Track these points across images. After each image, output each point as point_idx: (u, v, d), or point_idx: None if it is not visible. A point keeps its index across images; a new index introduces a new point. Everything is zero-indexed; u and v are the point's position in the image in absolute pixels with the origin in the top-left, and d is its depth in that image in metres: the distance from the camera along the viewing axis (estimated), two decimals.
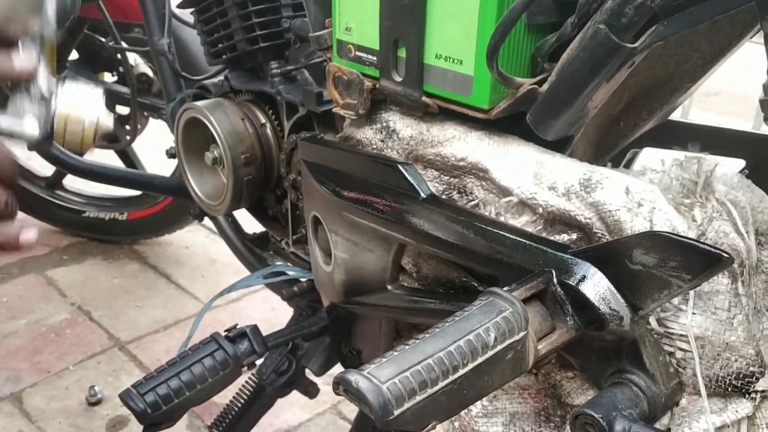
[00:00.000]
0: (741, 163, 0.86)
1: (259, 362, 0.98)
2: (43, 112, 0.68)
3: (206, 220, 2.16)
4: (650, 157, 0.89)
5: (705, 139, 0.87)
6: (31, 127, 0.68)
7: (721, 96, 3.31)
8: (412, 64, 0.74)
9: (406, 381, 0.46)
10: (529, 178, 0.68)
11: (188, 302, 1.90)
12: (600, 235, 0.62)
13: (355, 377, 0.45)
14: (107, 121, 0.72)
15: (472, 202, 0.73)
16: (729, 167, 0.66)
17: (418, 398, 0.46)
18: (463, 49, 0.69)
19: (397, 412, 0.45)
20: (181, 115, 1.13)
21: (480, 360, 0.50)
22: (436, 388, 0.47)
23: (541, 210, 0.66)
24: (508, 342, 0.51)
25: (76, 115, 0.68)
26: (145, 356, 1.69)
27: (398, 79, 0.76)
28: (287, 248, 1.14)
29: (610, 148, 0.87)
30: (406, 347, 0.49)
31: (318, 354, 1.08)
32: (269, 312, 1.85)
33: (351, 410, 1.56)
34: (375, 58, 0.78)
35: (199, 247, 2.15)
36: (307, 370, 1.10)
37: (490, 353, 0.50)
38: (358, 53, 0.80)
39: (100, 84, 0.69)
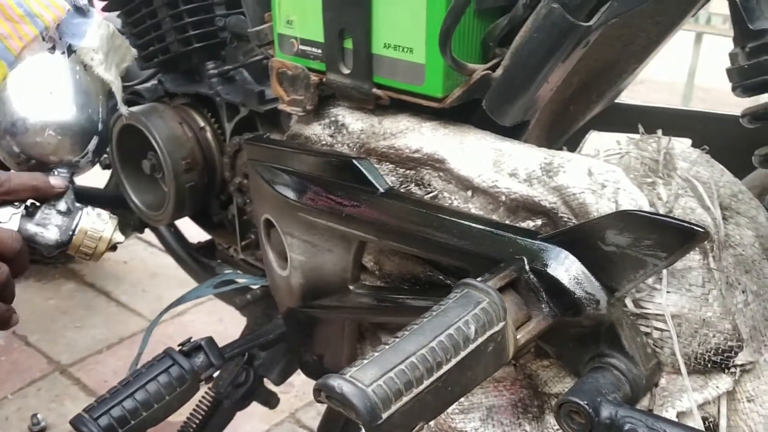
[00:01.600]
0: (687, 142, 0.87)
1: (215, 375, 0.94)
2: (65, 225, 0.80)
3: (145, 233, 2.10)
4: (599, 140, 0.89)
5: (651, 119, 0.87)
6: (52, 235, 0.79)
7: (647, 84, 3.41)
8: (360, 55, 0.71)
9: (391, 382, 0.43)
10: (489, 165, 0.66)
11: (131, 319, 1.83)
12: (566, 219, 0.61)
13: (337, 382, 0.43)
14: (119, 238, 0.83)
15: (431, 194, 0.71)
16: (685, 144, 0.66)
17: (404, 399, 0.44)
18: (413, 37, 0.67)
19: (385, 416, 0.43)
20: (114, 123, 1.08)
21: (463, 354, 0.48)
22: (422, 387, 0.45)
23: (503, 198, 0.64)
24: (488, 334, 0.49)
25: (93, 232, 0.82)
26: (89, 379, 1.61)
27: (346, 71, 0.74)
28: (236, 255, 1.10)
29: (562, 133, 0.86)
30: (386, 347, 0.46)
31: (276, 362, 1.05)
32: (217, 323, 1.80)
33: (310, 417, 1.53)
34: (320, 51, 0.75)
35: (138, 261, 2.08)
36: (265, 380, 1.06)
37: (472, 347, 0.48)
38: (301, 47, 0.77)
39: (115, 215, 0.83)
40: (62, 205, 0.81)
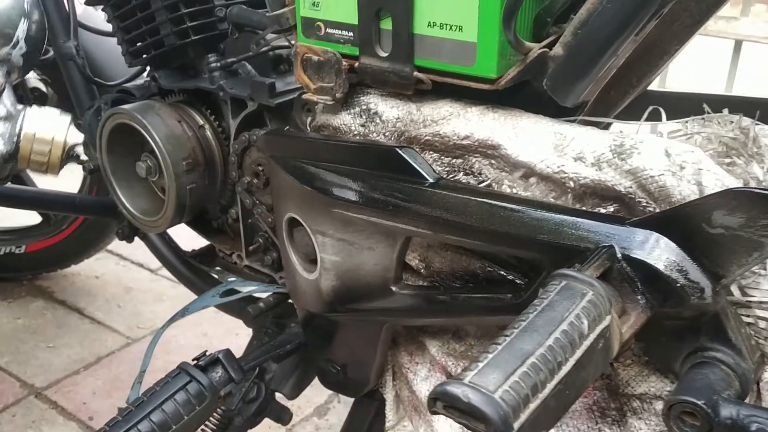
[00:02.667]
0: None
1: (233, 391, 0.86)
2: (8, 129, 0.68)
3: (113, 246, 2.00)
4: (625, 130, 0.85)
5: (684, 105, 0.84)
6: None
7: None
8: (401, 35, 0.66)
9: (518, 387, 0.38)
10: (550, 150, 0.62)
11: (107, 336, 1.73)
12: (644, 204, 0.56)
13: (461, 389, 0.37)
14: (76, 141, 0.68)
15: (483, 183, 0.66)
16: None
17: (532, 406, 0.38)
18: (463, 14, 0.62)
19: (516, 425, 0.37)
20: (105, 123, 1.00)
21: (579, 352, 0.42)
22: (546, 390, 0.39)
23: (572, 183, 0.59)
24: (599, 328, 0.44)
25: (43, 134, 0.64)
26: (68, 401, 1.51)
27: (383, 54, 0.68)
28: (240, 262, 1.03)
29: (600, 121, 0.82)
30: (499, 347, 0.41)
31: (289, 375, 0.98)
32: (201, 338, 1.71)
33: None
34: (351, 34, 0.70)
35: (111, 275, 1.97)
36: (277, 395, 0.99)
37: (587, 343, 0.43)
38: (329, 30, 0.72)
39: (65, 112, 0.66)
40: (1, 109, 0.68)
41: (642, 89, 0.84)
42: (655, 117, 0.86)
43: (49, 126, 0.66)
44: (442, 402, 0.38)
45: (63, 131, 0.66)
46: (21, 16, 0.70)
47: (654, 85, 0.91)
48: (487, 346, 0.41)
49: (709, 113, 0.68)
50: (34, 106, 0.67)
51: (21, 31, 0.70)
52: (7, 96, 0.69)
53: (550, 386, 0.40)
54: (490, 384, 0.37)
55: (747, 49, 1.96)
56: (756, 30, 1.86)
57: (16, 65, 0.71)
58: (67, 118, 0.67)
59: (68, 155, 0.67)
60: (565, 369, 0.41)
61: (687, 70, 2.51)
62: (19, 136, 0.68)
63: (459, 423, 0.38)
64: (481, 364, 0.39)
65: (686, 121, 0.63)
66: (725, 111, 0.66)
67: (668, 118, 0.83)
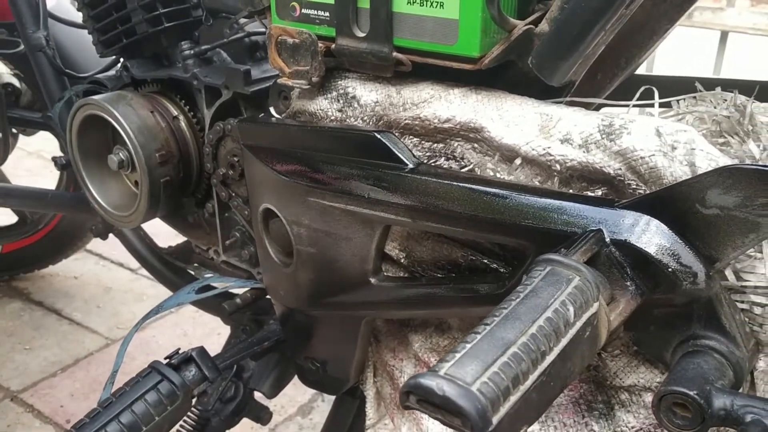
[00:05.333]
0: None
1: (208, 390, 0.83)
2: None
3: (92, 246, 1.96)
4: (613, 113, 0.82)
5: (673, 88, 0.81)
6: None
7: None
8: (379, 14, 0.63)
9: (497, 378, 0.35)
10: (535, 132, 0.59)
11: (86, 337, 1.69)
12: (634, 186, 0.54)
13: (435, 382, 0.34)
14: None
15: (465, 168, 0.63)
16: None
17: (512, 398, 0.35)
18: None
19: (495, 420, 0.34)
20: (74, 114, 0.96)
21: (564, 341, 0.39)
22: (528, 382, 0.36)
23: (558, 167, 0.56)
24: (585, 316, 0.41)
25: None
26: (44, 404, 1.47)
27: (361, 35, 0.65)
28: (217, 257, 0.99)
29: (587, 104, 0.79)
30: (478, 335, 0.38)
31: (268, 373, 0.94)
32: (181, 338, 1.68)
33: None
34: (327, 14, 0.67)
35: (90, 275, 1.93)
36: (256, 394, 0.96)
37: (572, 331, 0.40)
38: (304, 11, 0.68)
39: None
40: None
41: (630, 72, 0.81)
42: (645, 99, 0.84)
43: None
44: (416, 396, 0.34)
45: None
46: None
47: (641, 71, 0.89)
48: (466, 336, 0.38)
49: (701, 92, 0.65)
50: None
51: None
52: None
53: (532, 377, 0.36)
54: (468, 376, 0.34)
55: (733, 39, 1.95)
56: (742, 21, 1.84)
57: None
58: None
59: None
60: (549, 359, 0.38)
61: (673, 60, 2.49)
62: None
63: (434, 418, 0.34)
64: (458, 355, 0.36)
65: (677, 100, 0.60)
66: (718, 89, 0.63)
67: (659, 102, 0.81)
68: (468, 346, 0.37)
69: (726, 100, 0.57)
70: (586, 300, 0.42)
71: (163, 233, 1.15)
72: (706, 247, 0.46)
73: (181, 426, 0.97)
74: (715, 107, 0.58)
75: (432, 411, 0.34)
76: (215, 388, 0.95)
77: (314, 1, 0.67)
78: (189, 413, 0.97)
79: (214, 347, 0.88)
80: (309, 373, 0.86)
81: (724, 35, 1.91)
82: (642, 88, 0.64)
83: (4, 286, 1.87)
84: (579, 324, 0.41)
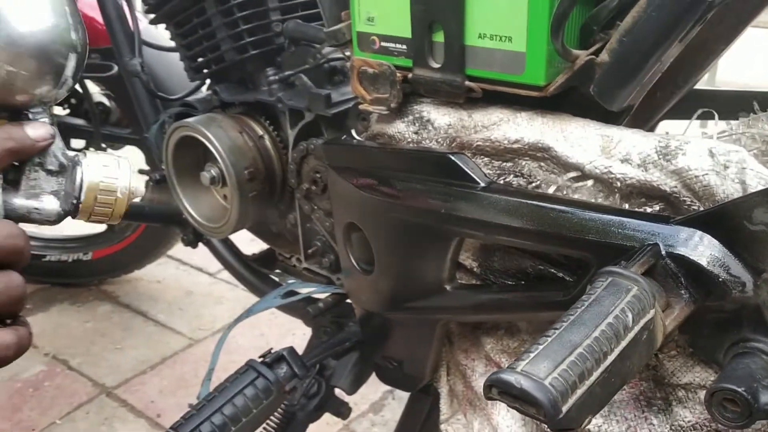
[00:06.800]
0: None
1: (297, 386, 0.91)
2: (63, 186, 0.60)
3: (174, 252, 2.08)
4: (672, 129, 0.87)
5: (732, 103, 0.85)
6: (51, 206, 0.60)
7: None
8: (453, 47, 0.70)
9: (566, 374, 0.41)
10: (597, 152, 0.64)
11: (170, 338, 1.81)
12: (688, 202, 0.59)
13: (514, 377, 0.40)
14: (140, 189, 0.64)
15: (533, 184, 0.69)
16: None
17: (579, 392, 0.42)
18: (512, 25, 0.66)
19: (564, 409, 0.40)
20: (170, 136, 1.06)
21: (624, 343, 0.45)
22: (593, 378, 0.43)
23: (618, 184, 0.62)
24: (643, 321, 0.47)
25: (107, 184, 0.60)
26: (136, 400, 1.58)
27: (435, 65, 0.72)
28: (299, 264, 1.08)
29: (647, 120, 0.84)
30: (549, 339, 0.44)
31: (347, 371, 1.02)
32: (259, 338, 1.78)
33: (364, 428, 1.50)
34: (405, 47, 0.74)
35: (172, 280, 2.05)
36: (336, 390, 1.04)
37: (631, 335, 0.46)
38: (383, 44, 0.76)
39: (124, 157, 0.60)
40: (52, 162, 0.60)
41: (688, 89, 0.86)
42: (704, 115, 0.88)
43: (113, 173, 0.60)
44: (497, 389, 0.41)
45: (127, 178, 0.61)
46: (69, 51, 0.60)
47: (704, 77, 0.93)
48: (538, 338, 0.44)
49: (756, 112, 0.70)
50: (89, 153, 0.61)
51: (70, 68, 0.60)
52: (57, 145, 0.60)
53: (596, 374, 0.43)
54: (541, 372, 0.41)
55: None
56: None
57: (58, 100, 0.63)
58: (126, 162, 0.62)
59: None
60: (611, 359, 0.44)
61: (738, 62, 2.49)
62: (80, 192, 0.60)
63: (512, 407, 0.41)
64: (532, 354, 0.43)
65: (731, 122, 0.65)
66: None
67: (718, 117, 0.85)
68: (540, 347, 0.43)
69: None
70: (643, 307, 0.48)
71: (239, 240, 1.24)
72: (753, 260, 0.52)
73: (270, 419, 1.05)
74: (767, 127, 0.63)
75: (511, 401, 0.41)
76: (301, 384, 1.03)
77: (393, 35, 0.74)
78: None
79: (293, 346, 0.96)
80: (387, 372, 0.93)
81: None
82: (699, 111, 0.68)
83: (95, 290, 2.01)
84: (637, 328, 0.47)
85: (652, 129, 0.91)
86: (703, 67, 0.81)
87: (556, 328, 0.45)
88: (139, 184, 0.63)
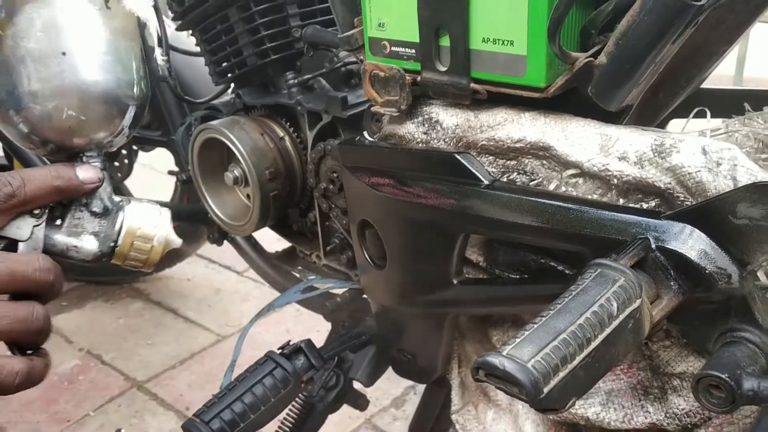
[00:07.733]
0: None
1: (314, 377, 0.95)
2: (104, 228, 0.63)
3: (203, 251, 2.13)
4: (681, 127, 0.89)
5: (737, 103, 0.87)
6: (89, 246, 0.63)
7: None
8: (458, 51, 0.73)
9: (548, 358, 0.44)
10: (596, 150, 0.67)
11: (199, 334, 1.86)
12: (682, 198, 0.61)
13: (498, 359, 0.44)
14: (176, 240, 0.68)
15: (534, 182, 0.72)
16: None
17: (561, 374, 0.45)
18: (514, 30, 0.68)
19: (546, 390, 0.43)
20: (196, 138, 1.11)
21: (608, 330, 0.48)
22: (575, 362, 0.46)
23: (615, 181, 0.65)
24: (628, 310, 0.50)
25: (145, 232, 0.63)
26: (166, 393, 1.64)
27: (442, 69, 0.75)
28: (318, 261, 1.12)
29: (651, 120, 0.86)
30: (535, 325, 0.47)
31: (365, 364, 1.05)
32: (284, 334, 1.82)
33: (386, 423, 1.53)
34: (414, 51, 0.77)
35: (201, 278, 2.11)
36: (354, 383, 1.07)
37: (615, 323, 0.49)
38: (393, 48, 0.79)
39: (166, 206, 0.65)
40: (97, 205, 0.63)
41: (693, 89, 0.88)
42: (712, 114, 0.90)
43: (153, 222, 0.64)
44: (483, 370, 0.44)
45: (165, 229, 0.64)
46: (130, 103, 0.64)
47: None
48: (525, 326, 0.47)
49: (749, 111, 0.72)
50: (133, 201, 0.64)
51: (128, 119, 0.64)
52: (104, 189, 0.63)
53: (578, 359, 0.46)
54: (525, 355, 0.44)
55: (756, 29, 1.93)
56: None
57: (113, 148, 0.67)
58: (167, 213, 0.66)
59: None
60: (594, 344, 0.47)
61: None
62: (118, 236, 0.63)
63: (498, 388, 0.44)
64: (518, 339, 0.46)
65: (726, 121, 0.67)
66: (766, 109, 0.70)
67: (720, 116, 0.87)
68: (526, 333, 0.46)
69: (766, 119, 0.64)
70: (629, 297, 0.50)
71: (265, 239, 1.28)
72: (738, 252, 0.54)
73: (291, 410, 1.09)
74: (761, 125, 0.65)
75: (496, 382, 0.44)
76: (319, 376, 1.07)
77: (402, 40, 0.77)
78: (297, 400, 1.09)
79: (316, 342, 1.00)
80: (401, 364, 0.97)
81: None
82: (696, 110, 0.71)
83: (127, 287, 2.07)
84: (622, 316, 0.49)
85: (662, 127, 0.93)
86: (706, 68, 0.83)
87: (543, 315, 0.48)
88: (177, 239, 0.68)
